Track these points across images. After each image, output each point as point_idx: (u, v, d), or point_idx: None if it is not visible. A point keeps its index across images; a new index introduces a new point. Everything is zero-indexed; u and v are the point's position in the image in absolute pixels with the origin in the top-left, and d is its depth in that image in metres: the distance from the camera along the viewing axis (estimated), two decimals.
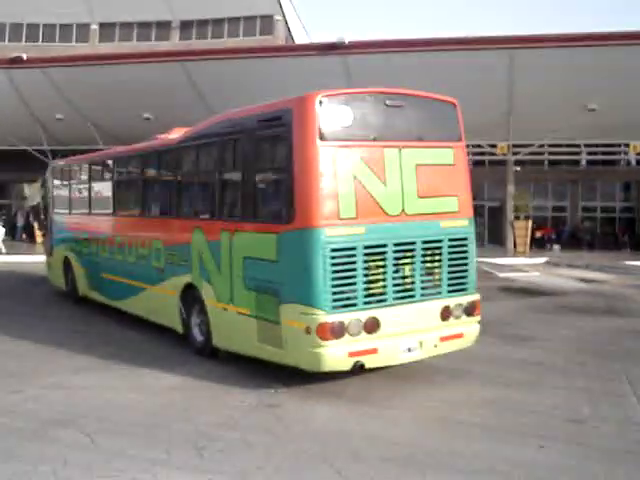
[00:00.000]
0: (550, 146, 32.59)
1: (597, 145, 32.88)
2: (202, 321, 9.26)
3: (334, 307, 7.18)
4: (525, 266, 23.84)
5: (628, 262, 25.03)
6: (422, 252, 7.76)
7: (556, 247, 32.65)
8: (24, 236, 35.07)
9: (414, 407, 7.12)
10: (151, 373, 8.46)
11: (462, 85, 26.65)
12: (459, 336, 8.12)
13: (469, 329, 8.23)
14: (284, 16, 43.67)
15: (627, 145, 31.04)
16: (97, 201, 13.46)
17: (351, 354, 7.26)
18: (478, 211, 37.01)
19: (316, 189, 7.21)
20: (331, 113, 7.36)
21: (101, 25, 44.66)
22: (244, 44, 37.50)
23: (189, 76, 27.63)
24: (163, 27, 44.09)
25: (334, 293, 7.18)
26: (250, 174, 8.36)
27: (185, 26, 44.07)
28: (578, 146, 33.14)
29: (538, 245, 32.44)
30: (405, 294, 7.67)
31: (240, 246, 8.33)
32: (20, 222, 36.33)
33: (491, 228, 34.93)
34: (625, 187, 36.06)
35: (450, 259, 8.00)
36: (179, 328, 9.88)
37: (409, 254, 7.68)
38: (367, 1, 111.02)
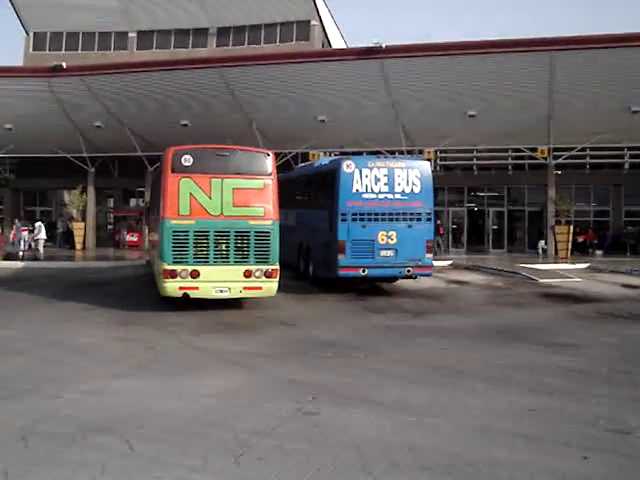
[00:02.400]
0: (592, 149, 31.97)
1: None
2: None
3: (174, 262, 13.32)
4: (567, 272, 23.44)
5: None
6: (235, 237, 13.56)
7: (598, 252, 32.03)
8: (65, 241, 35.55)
9: (454, 416, 7.00)
10: (190, 379, 8.52)
11: (501, 88, 26.44)
12: (259, 288, 13.75)
13: (267, 285, 13.75)
14: (321, 21, 43.67)
15: None
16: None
17: (180, 288, 13.38)
18: (518, 216, 36.40)
19: (167, 198, 13.52)
20: (180, 158, 13.55)
21: (139, 33, 45.28)
22: (281, 50, 37.59)
23: (226, 82, 27.80)
24: (200, 34, 44.47)
25: (174, 255, 13.34)
26: (157, 190, 15.08)
27: (222, 32, 44.37)
28: (621, 149, 32.46)
29: (580, 250, 31.89)
30: (222, 260, 13.54)
31: (156, 228, 14.80)
32: (60, 229, 36.78)
33: (531, 233, 34.39)
34: None
35: (256, 243, 13.64)
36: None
37: (225, 238, 13.52)
38: (404, 5, 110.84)
